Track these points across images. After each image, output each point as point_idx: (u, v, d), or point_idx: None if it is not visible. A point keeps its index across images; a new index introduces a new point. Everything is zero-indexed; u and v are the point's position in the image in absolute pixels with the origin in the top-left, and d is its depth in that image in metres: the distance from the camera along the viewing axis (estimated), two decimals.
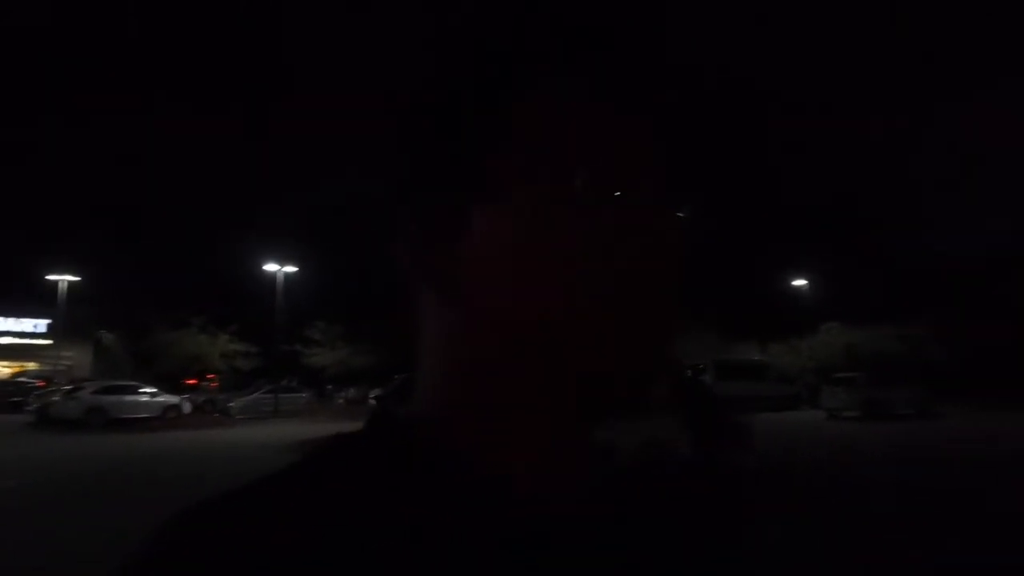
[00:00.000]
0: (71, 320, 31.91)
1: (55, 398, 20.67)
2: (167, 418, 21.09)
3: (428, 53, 0.42)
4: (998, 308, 26.45)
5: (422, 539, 0.35)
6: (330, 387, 35.08)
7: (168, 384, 25.53)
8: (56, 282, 32.25)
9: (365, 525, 0.35)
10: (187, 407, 22.59)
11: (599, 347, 0.38)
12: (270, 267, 30.19)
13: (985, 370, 24.32)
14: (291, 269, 30.62)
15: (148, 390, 21.78)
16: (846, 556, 5.17)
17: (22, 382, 28.50)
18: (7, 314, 35.16)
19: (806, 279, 33.63)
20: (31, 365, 34.42)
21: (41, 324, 35.62)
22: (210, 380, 34.09)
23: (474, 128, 0.40)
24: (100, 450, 13.77)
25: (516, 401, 0.40)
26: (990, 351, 25.11)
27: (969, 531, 5.82)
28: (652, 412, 0.39)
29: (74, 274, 32.70)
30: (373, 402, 25.06)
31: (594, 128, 0.39)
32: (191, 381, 32.53)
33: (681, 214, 0.41)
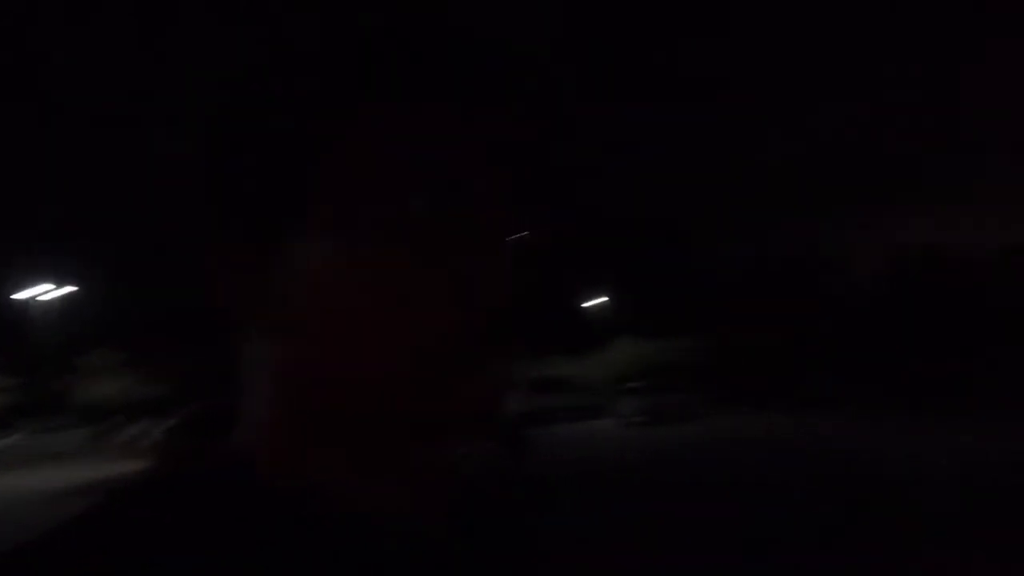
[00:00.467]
0: None
1: None
2: None
3: (251, 67, 0.40)
4: (774, 315, 30.57)
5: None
6: (114, 420, 31.40)
7: None
8: None
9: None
10: None
11: (436, 382, 0.37)
12: (34, 290, 26.50)
13: (760, 373, 27.98)
14: (62, 291, 27.11)
15: None
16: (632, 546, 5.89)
17: None
18: None
19: (606, 295, 36.56)
20: None
21: None
22: None
23: (298, 149, 0.37)
24: None
25: (349, 433, 0.39)
26: (766, 356, 28.98)
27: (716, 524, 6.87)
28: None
29: None
30: (164, 436, 22.92)
31: (428, 154, 0.37)
32: None
33: (519, 238, 0.40)
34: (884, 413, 18.09)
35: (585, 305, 36.03)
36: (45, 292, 26.61)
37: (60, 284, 27.31)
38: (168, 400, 26.83)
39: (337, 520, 0.37)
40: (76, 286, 28.27)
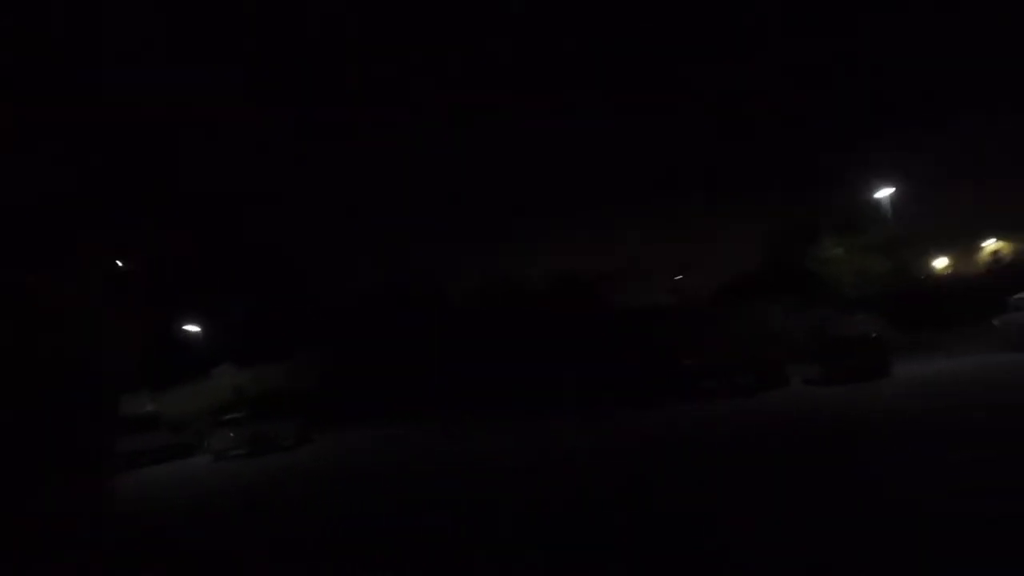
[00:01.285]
0: None
1: None
2: None
3: None
4: (366, 340, 31.93)
5: None
6: None
7: None
8: None
9: None
10: None
11: None
12: None
13: (364, 393, 29.02)
14: None
15: None
16: None
17: None
18: None
19: (204, 323, 33.88)
20: None
21: None
22: None
23: None
24: None
25: None
26: (367, 377, 30.14)
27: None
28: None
29: None
30: None
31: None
32: None
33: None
34: (470, 422, 20.87)
35: (181, 333, 32.98)
36: None
37: None
38: None
39: None
40: None
